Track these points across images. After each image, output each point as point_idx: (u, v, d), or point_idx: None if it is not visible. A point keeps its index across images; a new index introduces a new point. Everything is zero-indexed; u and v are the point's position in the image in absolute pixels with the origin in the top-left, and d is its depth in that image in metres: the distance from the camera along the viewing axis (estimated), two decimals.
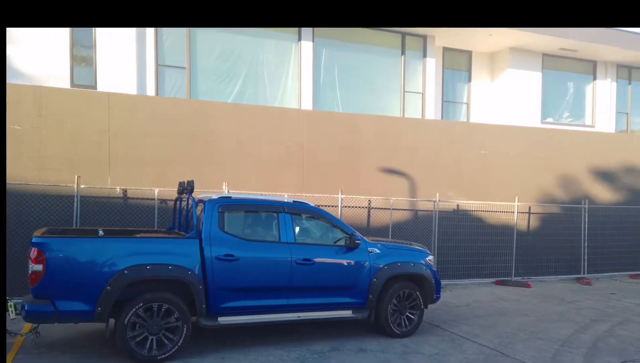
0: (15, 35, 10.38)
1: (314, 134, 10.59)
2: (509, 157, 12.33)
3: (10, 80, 9.75)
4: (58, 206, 8.54)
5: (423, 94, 13.77)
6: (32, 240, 5.25)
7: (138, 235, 6.52)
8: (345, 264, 6.54)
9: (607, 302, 9.78)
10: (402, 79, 13.58)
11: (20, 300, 5.44)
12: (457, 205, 11.68)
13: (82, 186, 8.61)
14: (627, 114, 16.71)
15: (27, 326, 6.19)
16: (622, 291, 10.99)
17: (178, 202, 7.11)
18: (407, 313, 6.90)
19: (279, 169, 10.18)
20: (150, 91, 11.28)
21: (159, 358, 5.46)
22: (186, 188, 6.43)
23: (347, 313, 6.58)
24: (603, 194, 13.30)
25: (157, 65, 11.49)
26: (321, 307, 6.40)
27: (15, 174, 8.39)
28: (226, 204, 6.21)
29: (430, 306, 7.34)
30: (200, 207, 6.28)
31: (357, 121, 11.16)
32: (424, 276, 7.00)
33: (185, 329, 5.60)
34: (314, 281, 6.31)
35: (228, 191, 9.03)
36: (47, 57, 10.61)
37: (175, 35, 11.59)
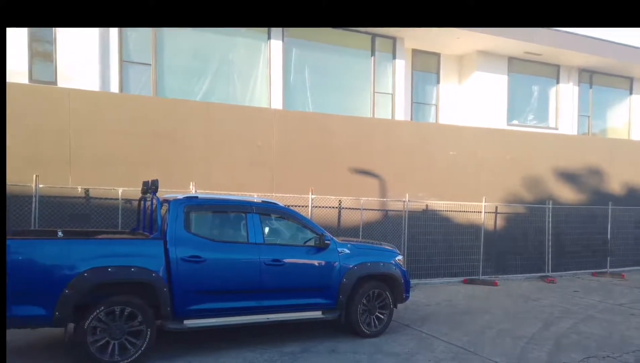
0: None
1: (284, 134, 10.48)
2: (476, 158, 12.53)
3: None
4: (16, 207, 8.16)
5: (393, 95, 13.85)
6: None
7: (100, 236, 6.27)
8: (315, 264, 6.47)
9: (570, 300, 10.02)
10: (373, 80, 13.62)
11: None
12: (427, 205, 11.78)
13: (41, 186, 8.27)
14: (589, 117, 17.26)
15: None
16: (584, 289, 11.31)
17: (142, 202, 6.88)
18: (377, 313, 6.88)
19: (249, 169, 10.04)
20: (114, 87, 10.94)
21: None
22: (150, 188, 6.23)
23: (317, 314, 6.51)
24: (566, 194, 13.68)
25: (122, 61, 11.15)
26: (291, 308, 6.31)
27: None
28: (192, 204, 6.05)
29: (400, 305, 7.34)
30: (165, 207, 6.09)
31: (329, 121, 11.12)
32: (394, 276, 7.00)
33: (149, 333, 5.41)
34: (284, 283, 6.21)
35: (195, 191, 8.83)
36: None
37: (140, 31, 11.28)
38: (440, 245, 11.69)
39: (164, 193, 6.85)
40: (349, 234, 10.47)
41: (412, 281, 11.01)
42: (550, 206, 12.91)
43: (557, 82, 16.59)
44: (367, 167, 11.19)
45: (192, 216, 5.99)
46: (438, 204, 11.79)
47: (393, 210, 11.38)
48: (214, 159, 9.77)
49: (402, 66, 13.96)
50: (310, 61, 12.96)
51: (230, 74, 12.14)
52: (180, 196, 6.19)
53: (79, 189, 8.66)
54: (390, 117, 13.58)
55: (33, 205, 8.16)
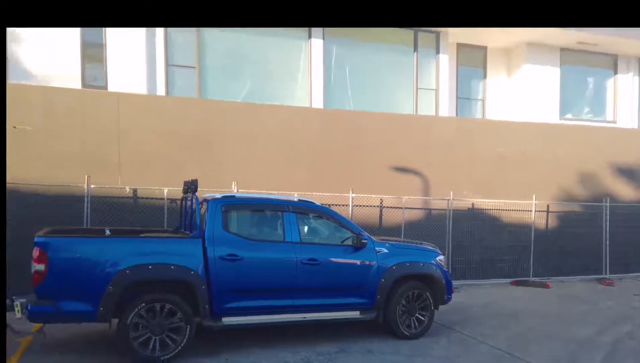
0: (25, 36, 10.48)
1: (324, 133, 10.46)
2: (526, 154, 12.00)
3: (20, 81, 9.86)
4: (69, 206, 8.58)
5: (437, 91, 13.50)
6: (35, 240, 5.23)
7: (144, 235, 6.47)
8: (352, 264, 6.39)
9: (629, 303, 9.41)
10: (415, 76, 13.34)
11: (25, 300, 5.43)
12: (472, 204, 11.41)
13: (92, 186, 8.64)
14: None
15: (37, 325, 6.19)
16: None
17: (184, 201, 7.05)
18: (417, 315, 6.71)
19: (288, 169, 10.08)
20: (161, 90, 11.28)
21: (162, 359, 5.39)
22: (190, 187, 6.37)
23: (355, 314, 6.43)
24: (625, 192, 12.85)
25: (167, 65, 11.48)
26: (327, 308, 6.27)
27: (25, 175, 8.47)
28: (230, 204, 6.12)
29: (442, 307, 7.15)
30: (204, 206, 6.20)
31: (369, 119, 11.00)
32: (434, 277, 6.81)
33: (188, 330, 5.52)
34: (320, 282, 6.17)
35: (237, 191, 8.96)
36: (58, 57, 10.68)
37: (184, 35, 11.57)
38: (486, 245, 11.29)
39: (206, 192, 7.00)
40: (391, 234, 10.30)
41: (457, 283, 10.70)
42: (608, 204, 12.17)
43: (615, 73, 15.62)
44: (408, 165, 10.97)
45: (230, 215, 6.07)
46: (484, 203, 11.39)
47: (436, 209, 11.10)
48: (254, 159, 9.89)
49: (446, 60, 13.58)
50: (351, 58, 12.86)
51: (271, 74, 12.24)
52: (218, 196, 6.28)
53: (127, 189, 8.99)
54: (433, 114, 13.25)
55: (85, 205, 8.55)
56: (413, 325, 6.66)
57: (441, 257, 7.10)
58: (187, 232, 6.54)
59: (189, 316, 5.55)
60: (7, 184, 8.15)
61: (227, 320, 5.78)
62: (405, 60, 13.34)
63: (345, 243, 6.52)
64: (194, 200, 6.28)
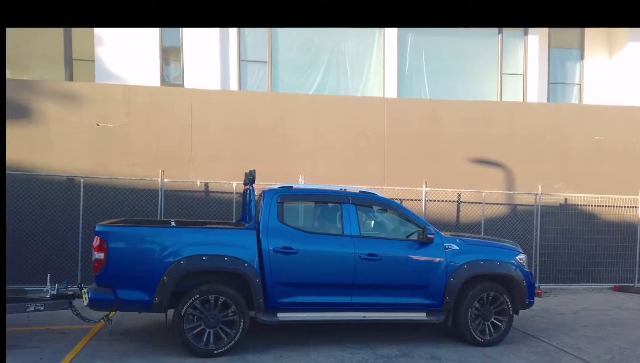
0: (108, 39, 11.09)
1: (395, 123, 9.93)
2: (630, 143, 10.54)
3: (102, 80, 10.44)
4: (145, 199, 8.91)
5: (524, 75, 12.33)
6: (96, 229, 5.35)
7: (204, 226, 6.44)
8: (417, 260, 5.86)
9: None
10: (500, 60, 12.29)
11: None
12: (565, 199, 10.24)
13: (166, 180, 8.89)
14: None
15: (112, 313, 6.38)
16: None
17: (245, 193, 6.95)
18: (493, 319, 6.02)
19: (358, 161, 9.70)
20: (233, 86, 11.41)
21: (215, 352, 5.29)
22: (248, 178, 6.22)
23: (420, 315, 5.90)
24: None
25: (240, 60, 11.59)
26: (389, 307, 5.80)
27: (106, 169, 8.93)
28: (286, 195, 5.88)
29: (525, 313, 6.39)
30: (260, 198, 6.03)
31: (445, 108, 10.27)
32: (513, 278, 6.06)
33: (242, 324, 5.36)
34: (381, 279, 5.73)
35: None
36: (138, 57, 11.19)
37: (256, 30, 11.61)
38: (581, 246, 10.05)
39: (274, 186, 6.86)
40: (468, 231, 9.53)
41: (546, 287, 9.69)
42: None
43: None
44: (490, 156, 10.09)
45: (286, 207, 5.82)
46: (579, 198, 10.16)
47: (522, 205, 10.09)
48: (322, 151, 9.63)
49: (535, 42, 12.36)
50: (427, 45, 12.14)
51: (343, 66, 11.90)
52: (275, 186, 6.08)
53: (198, 183, 9.16)
54: (520, 100, 12.12)
55: (159, 198, 8.83)
56: (488, 331, 5.98)
57: (522, 256, 6.32)
58: (246, 224, 6.41)
59: (243, 309, 5.39)
60: (88, 178, 8.65)
61: (282, 316, 5.54)
62: (488, 43, 12.33)
63: (410, 238, 6.00)
64: (250, 191, 6.12)
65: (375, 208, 6.24)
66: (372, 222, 6.27)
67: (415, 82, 12.05)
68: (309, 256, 5.60)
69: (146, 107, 9.32)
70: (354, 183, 9.19)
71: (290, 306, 5.56)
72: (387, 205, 6.21)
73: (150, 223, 6.79)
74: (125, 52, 11.16)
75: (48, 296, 5.82)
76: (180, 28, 11.37)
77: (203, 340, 5.28)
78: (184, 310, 5.25)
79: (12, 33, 11.83)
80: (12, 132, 8.71)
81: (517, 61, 12.42)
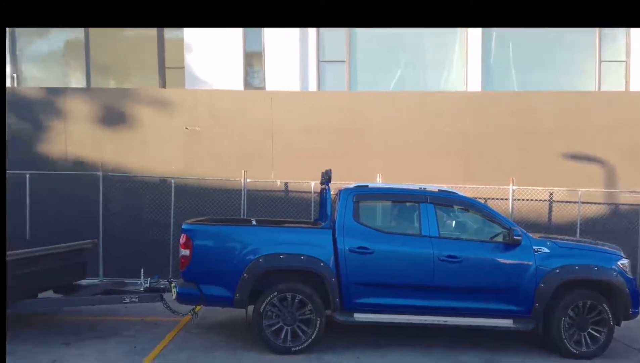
0: (195, 45, 11.69)
1: (480, 118, 9.46)
2: None
3: (191, 86, 11.03)
4: (229, 198, 9.29)
5: (627, 62, 11.19)
6: (182, 227, 5.66)
7: (283, 226, 6.57)
8: (502, 263, 5.52)
9: None
10: (597, 46, 11.25)
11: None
12: None
13: (248, 180, 9.21)
14: None
15: (198, 307, 6.72)
16: None
17: (322, 193, 6.98)
18: (590, 330, 5.50)
19: (438, 159, 9.37)
20: (312, 86, 11.55)
21: (293, 349, 5.36)
22: (324, 178, 6.25)
23: (507, 322, 5.54)
24: None
25: (319, 61, 11.70)
26: (471, 313, 5.52)
27: (194, 171, 9.43)
28: (362, 194, 5.82)
29: (629, 324, 5.77)
30: (336, 197, 6.02)
31: (535, 100, 9.61)
32: (613, 284, 5.50)
33: (319, 323, 5.39)
34: (462, 282, 5.46)
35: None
36: (223, 62, 11.68)
37: (335, 30, 11.65)
38: None
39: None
40: (562, 232, 8.81)
41: None
42: None
43: None
44: (586, 151, 9.27)
45: (362, 206, 5.76)
46: None
47: (625, 204, 9.16)
48: (400, 149, 9.43)
49: None
50: (514, 36, 11.41)
51: (422, 61, 11.58)
52: (351, 186, 6.03)
53: (278, 183, 9.38)
54: (622, 89, 11.01)
55: (242, 197, 9.17)
56: (584, 342, 5.48)
57: (624, 261, 5.71)
58: (322, 223, 6.43)
59: (320, 308, 5.41)
60: (178, 179, 9.19)
61: (359, 316, 5.48)
62: (584, 29, 11.34)
63: (495, 239, 5.68)
64: (326, 191, 6.14)
65: (455, 207, 5.97)
66: (453, 222, 6.01)
67: (502, 74, 11.40)
68: (386, 257, 5.49)
69: (230, 111, 9.71)
70: (434, 181, 8.83)
71: (367, 307, 5.49)
72: (469, 204, 5.92)
73: (232, 221, 7.06)
74: (212, 59, 11.72)
75: (142, 289, 6.26)
76: (263, 33, 11.72)
77: (281, 337, 5.38)
78: (262, 307, 5.38)
79: (114, 46, 12.93)
80: (112, 137, 9.50)
81: (617, 47, 11.30)
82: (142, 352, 5.35)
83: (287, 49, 11.56)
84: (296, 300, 5.40)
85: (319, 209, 7.22)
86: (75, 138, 9.48)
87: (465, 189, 8.14)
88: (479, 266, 5.49)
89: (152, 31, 12.49)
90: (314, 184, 8.99)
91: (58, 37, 13.14)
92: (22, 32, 12.62)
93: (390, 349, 5.62)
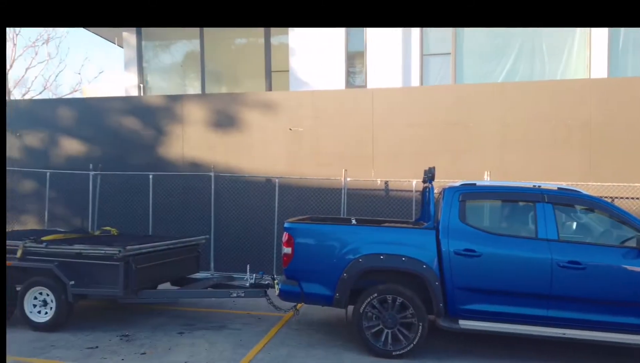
0: (299, 48, 11.95)
1: (606, 107, 8.43)
2: None
3: (295, 88, 11.29)
4: (330, 197, 9.35)
5: None
6: (284, 225, 5.76)
7: (383, 225, 6.41)
8: (637, 272, 4.81)
9: None
10: None
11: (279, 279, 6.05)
12: None
13: (349, 179, 9.19)
14: None
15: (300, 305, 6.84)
16: None
17: (424, 191, 6.69)
18: None
19: (555, 154, 8.52)
20: (415, 81, 11.21)
21: (394, 353, 5.19)
22: (427, 175, 5.96)
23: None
24: None
25: (422, 55, 11.32)
26: (597, 326, 4.88)
27: (297, 170, 9.63)
28: (468, 192, 5.44)
29: None
30: (440, 196, 5.71)
31: None
32: None
33: (421, 327, 5.15)
34: (586, 291, 4.86)
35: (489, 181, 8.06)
36: (325, 64, 11.81)
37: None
38: None
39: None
40: None
41: None
42: None
43: None
44: None
45: (468, 205, 5.39)
46: None
47: None
48: (511, 144, 8.73)
49: None
50: None
51: (538, 48, 10.64)
52: (456, 184, 5.69)
53: (379, 182, 9.21)
54: None
55: (342, 196, 9.16)
56: None
57: None
58: (424, 223, 6.15)
59: (422, 313, 5.17)
60: (282, 178, 9.44)
61: (465, 324, 5.13)
62: None
63: (627, 244, 4.98)
64: (429, 189, 5.85)
65: (578, 207, 5.35)
66: (574, 224, 5.40)
67: (634, 58, 10.08)
68: (495, 261, 5.08)
69: (332, 110, 9.75)
70: (550, 179, 8.13)
71: (474, 314, 5.12)
72: (595, 204, 5.26)
73: (333, 220, 7.05)
74: (314, 61, 11.92)
75: (247, 284, 6.51)
76: (365, 32, 11.64)
77: (381, 339, 5.24)
78: (362, 308, 5.28)
79: (226, 54, 13.75)
80: (223, 138, 10.04)
81: None
82: (247, 345, 5.54)
83: (389, 45, 11.36)
84: (397, 303, 5.22)
85: (421, 208, 6.94)
86: (191, 141, 10.18)
87: (588, 187, 7.32)
88: (608, 274, 4.85)
89: (261, 39, 13.06)
90: (416, 183, 8.69)
91: (178, 49, 14.30)
92: (148, 46, 13.93)
93: (500, 361, 5.18)
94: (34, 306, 6.03)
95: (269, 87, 12.96)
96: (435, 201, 5.79)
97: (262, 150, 9.90)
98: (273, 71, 13.13)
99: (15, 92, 27.76)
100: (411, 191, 8.82)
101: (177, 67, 14.37)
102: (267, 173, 9.73)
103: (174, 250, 6.91)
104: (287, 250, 5.62)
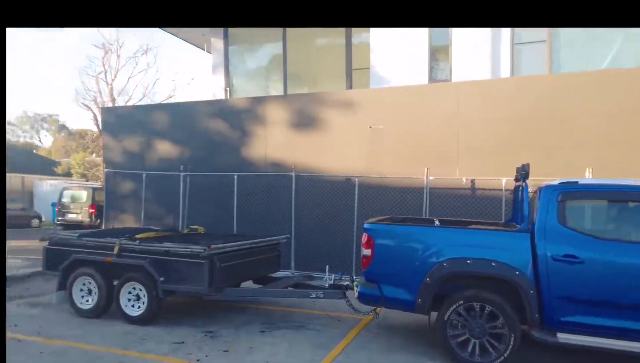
0: (380, 45, 11.69)
1: None
2: None
3: (376, 86, 11.05)
4: (411, 197, 9.02)
5: None
6: (364, 226, 5.58)
7: (469, 227, 6.00)
8: None
9: None
10: None
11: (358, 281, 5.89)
12: None
13: (431, 178, 8.81)
14: None
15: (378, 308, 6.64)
16: None
17: (516, 191, 6.17)
18: None
19: None
20: (505, 72, 10.51)
21: None
22: (520, 173, 5.48)
23: None
24: None
25: (513, 44, 10.59)
26: None
27: (377, 169, 9.40)
28: (569, 192, 4.89)
29: None
30: (535, 195, 5.21)
31: None
32: None
33: (513, 339, 4.72)
34: None
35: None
36: (407, 60, 11.46)
37: None
38: None
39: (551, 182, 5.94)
40: None
41: None
42: None
43: None
44: None
45: (568, 206, 4.84)
46: None
47: None
48: (617, 138, 7.82)
49: None
50: None
51: None
52: (554, 182, 5.16)
53: (464, 180, 8.71)
54: None
55: (424, 196, 8.80)
56: None
57: None
58: (516, 225, 5.67)
59: (514, 323, 4.74)
60: (361, 178, 9.28)
61: (564, 337, 4.62)
62: None
63: None
64: (523, 188, 5.37)
65: None
66: None
67: None
68: (601, 268, 4.52)
69: (413, 107, 9.41)
70: None
71: (575, 326, 4.60)
72: None
73: (415, 221, 6.75)
74: (396, 57, 11.62)
75: (326, 285, 6.42)
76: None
77: (467, 350, 4.88)
78: (447, 315, 4.96)
79: (308, 56, 13.86)
80: (303, 138, 10.08)
81: None
82: (326, 347, 5.44)
83: (477, 36, 10.76)
84: (486, 311, 4.83)
85: (512, 209, 6.42)
86: (273, 141, 10.34)
87: None
88: None
89: (341, 38, 13.03)
90: (506, 181, 8.09)
91: (262, 53, 14.70)
92: (233, 50, 14.46)
93: None
94: (129, 300, 6.40)
95: (350, 86, 12.85)
96: (529, 201, 5.31)
97: (342, 149, 9.80)
98: (354, 69, 13.01)
99: (119, 100, 30.30)
100: (500, 190, 8.23)
101: (261, 69, 14.77)
102: (347, 172, 9.61)
103: (255, 249, 7.02)
104: (366, 251, 5.44)
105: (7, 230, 22.19)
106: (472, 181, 8.69)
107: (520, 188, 5.80)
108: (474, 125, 8.83)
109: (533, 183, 5.53)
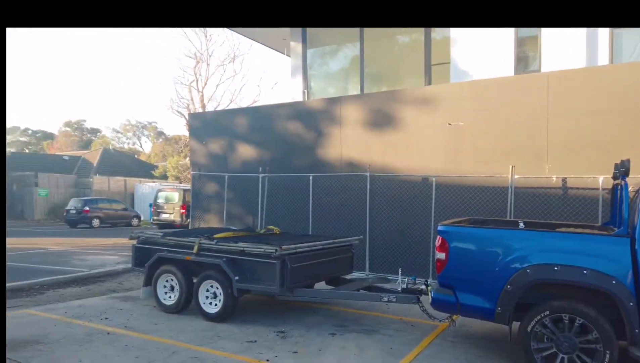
0: (461, 38, 11.13)
1: None
2: None
3: (457, 80, 10.53)
4: (493, 197, 8.46)
5: None
6: (438, 228, 5.29)
7: (559, 230, 5.45)
8: None
9: None
10: None
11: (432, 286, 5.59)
12: None
13: (516, 176, 8.20)
14: None
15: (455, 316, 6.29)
16: None
17: (614, 190, 5.51)
18: None
19: None
20: (603, 60, 9.51)
21: None
22: (619, 170, 4.88)
23: None
24: None
25: (612, 29, 9.57)
26: None
27: (456, 168, 8.94)
28: None
29: None
30: (636, 194, 4.61)
31: None
32: None
33: (608, 356, 4.19)
34: None
35: None
36: (491, 52, 10.80)
37: None
38: None
39: None
40: None
41: None
42: None
43: None
44: None
45: None
46: None
47: None
48: None
49: None
50: None
51: None
52: None
53: (554, 179, 7.99)
54: None
55: (509, 196, 8.20)
56: None
57: None
58: (614, 228, 5.05)
59: (610, 338, 4.21)
60: (439, 177, 8.87)
61: None
62: None
63: None
64: (622, 187, 4.77)
65: None
66: None
67: None
68: None
69: (497, 101, 8.83)
70: None
71: None
72: None
73: (495, 223, 6.28)
74: (479, 50, 11.01)
75: (399, 289, 6.18)
76: None
77: None
78: (531, 327, 4.53)
79: (384, 55, 13.63)
80: (379, 138, 9.85)
81: None
82: (398, 354, 5.21)
83: None
84: (576, 324, 4.34)
85: (610, 210, 5.74)
86: (348, 141, 10.23)
87: None
88: None
89: (420, 34, 12.63)
90: (603, 180, 7.29)
91: (340, 55, 14.71)
92: (311, 53, 14.60)
93: None
94: (206, 297, 6.62)
95: (429, 82, 12.42)
96: (630, 202, 4.71)
97: (419, 148, 9.44)
98: (433, 65, 12.56)
99: (208, 106, 31.96)
100: (597, 189, 7.44)
101: (338, 71, 14.76)
102: (424, 172, 9.24)
103: (328, 250, 6.95)
104: (440, 255, 5.14)
105: (111, 228, 24.31)
106: (564, 180, 7.94)
107: (619, 187, 5.15)
108: (566, 118, 8.07)
109: (634, 181, 4.90)
